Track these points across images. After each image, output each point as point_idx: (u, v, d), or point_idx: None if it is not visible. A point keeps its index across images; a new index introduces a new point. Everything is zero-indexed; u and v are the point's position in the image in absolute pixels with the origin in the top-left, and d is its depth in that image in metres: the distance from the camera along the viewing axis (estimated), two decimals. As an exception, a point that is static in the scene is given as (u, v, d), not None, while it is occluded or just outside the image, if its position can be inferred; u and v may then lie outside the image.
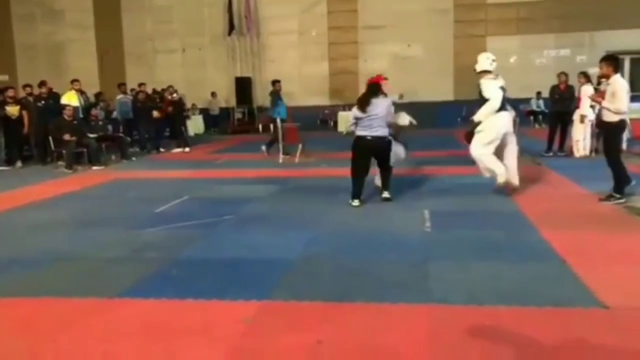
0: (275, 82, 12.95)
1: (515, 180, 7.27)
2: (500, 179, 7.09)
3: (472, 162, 10.24)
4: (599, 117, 7.42)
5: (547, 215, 6.20)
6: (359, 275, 4.45)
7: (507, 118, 7.16)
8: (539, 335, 3.27)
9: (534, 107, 18.67)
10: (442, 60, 19.77)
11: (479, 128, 7.10)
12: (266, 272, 4.60)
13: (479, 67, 7.24)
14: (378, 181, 7.52)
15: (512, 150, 7.29)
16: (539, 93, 18.08)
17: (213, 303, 3.93)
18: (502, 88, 7.16)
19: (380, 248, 5.18)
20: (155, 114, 14.42)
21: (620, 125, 6.93)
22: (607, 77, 6.89)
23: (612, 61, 7.02)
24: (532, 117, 18.55)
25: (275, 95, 12.70)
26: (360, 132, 6.96)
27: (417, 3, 19.67)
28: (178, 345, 3.30)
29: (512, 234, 5.55)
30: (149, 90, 15.44)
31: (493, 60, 7.20)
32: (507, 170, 7.13)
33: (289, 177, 9.58)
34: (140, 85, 15.10)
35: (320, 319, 3.61)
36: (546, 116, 17.07)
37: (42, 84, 12.99)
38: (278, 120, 11.99)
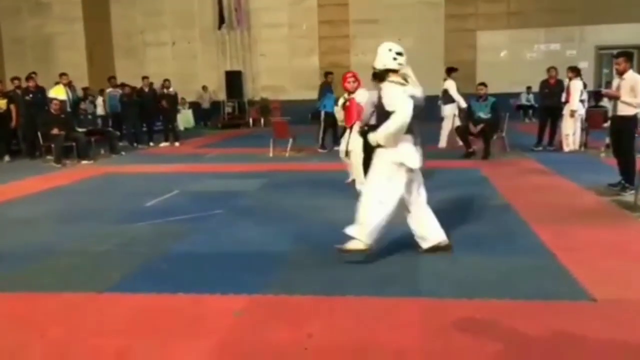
0: (327, 74, 12.67)
1: (440, 237, 4.81)
2: (362, 247, 4.56)
3: (461, 156, 10.38)
4: (612, 112, 7.36)
5: (537, 209, 6.23)
6: (349, 268, 4.45)
7: (411, 143, 4.61)
8: (528, 328, 3.28)
9: (524, 102, 18.76)
10: (433, 55, 19.77)
11: (375, 159, 4.67)
12: (257, 266, 4.59)
13: (377, 64, 4.67)
14: None
15: (420, 201, 4.80)
16: (529, 87, 18.15)
17: (203, 297, 3.92)
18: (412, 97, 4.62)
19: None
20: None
21: (636, 119, 7.08)
22: (624, 72, 6.98)
23: (630, 56, 7.19)
24: (521, 112, 18.63)
25: (326, 87, 12.43)
26: None
27: (408, -3, 19.69)
28: (168, 339, 3.28)
29: (501, 227, 5.58)
30: (146, 84, 15.28)
31: (398, 54, 4.63)
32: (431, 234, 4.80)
33: (279, 171, 9.56)
34: (144, 78, 15.04)
35: (310, 312, 3.61)
36: (536, 110, 17.17)
37: (29, 77, 12.86)
38: (322, 113, 12.01)
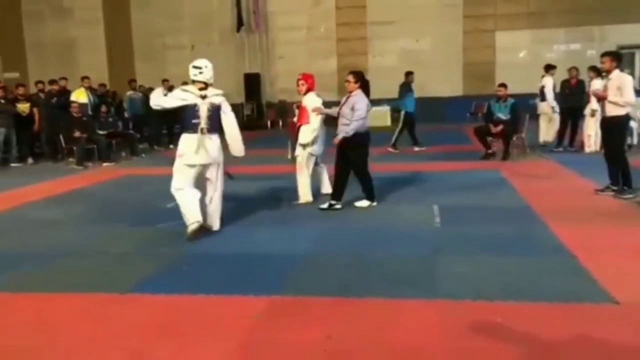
0: (408, 74, 12.44)
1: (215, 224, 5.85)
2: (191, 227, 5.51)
3: (480, 157, 10.31)
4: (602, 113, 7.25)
5: (557, 210, 6.17)
6: (367, 270, 4.46)
7: (193, 142, 5.55)
8: (549, 331, 3.26)
9: (544, 102, 18.53)
10: (451, 55, 19.70)
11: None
12: (275, 267, 4.62)
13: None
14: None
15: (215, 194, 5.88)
16: (549, 88, 17.95)
17: (223, 298, 3.96)
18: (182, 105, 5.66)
19: (388, 243, 5.18)
20: None
21: (627, 119, 6.93)
22: (610, 71, 6.86)
23: (617, 56, 7.05)
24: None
25: (406, 87, 12.25)
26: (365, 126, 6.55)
27: (426, -2, 19.62)
28: (188, 340, 3.32)
29: (521, 229, 5.53)
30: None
31: (193, 67, 5.87)
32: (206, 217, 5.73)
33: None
34: (164, 81, 15.18)
35: (329, 314, 3.63)
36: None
37: (53, 81, 13.08)
38: (402, 113, 11.98)
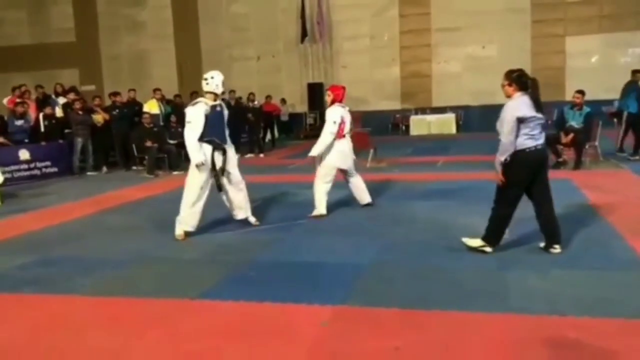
0: (636, 72, 11.41)
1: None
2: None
3: (551, 166, 9.95)
4: None
5: (633, 222, 5.90)
6: (434, 281, 4.41)
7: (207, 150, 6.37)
8: (626, 348, 3.12)
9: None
10: (519, 61, 19.02)
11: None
12: (340, 276, 4.64)
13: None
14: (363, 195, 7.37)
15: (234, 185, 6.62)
16: (624, 94, 17.19)
17: (290, 306, 4.00)
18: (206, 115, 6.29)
19: (456, 255, 5.09)
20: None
21: None
22: None
23: None
24: (615, 119, 17.63)
25: (632, 86, 11.11)
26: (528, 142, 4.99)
27: (492, 3, 19.24)
28: (256, 345, 3.39)
29: (595, 241, 5.32)
30: (232, 97, 15.78)
31: (210, 79, 6.26)
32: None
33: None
34: (230, 92, 15.58)
35: (397, 325, 3.60)
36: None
37: (129, 91, 13.75)
38: (625, 114, 11.04)
